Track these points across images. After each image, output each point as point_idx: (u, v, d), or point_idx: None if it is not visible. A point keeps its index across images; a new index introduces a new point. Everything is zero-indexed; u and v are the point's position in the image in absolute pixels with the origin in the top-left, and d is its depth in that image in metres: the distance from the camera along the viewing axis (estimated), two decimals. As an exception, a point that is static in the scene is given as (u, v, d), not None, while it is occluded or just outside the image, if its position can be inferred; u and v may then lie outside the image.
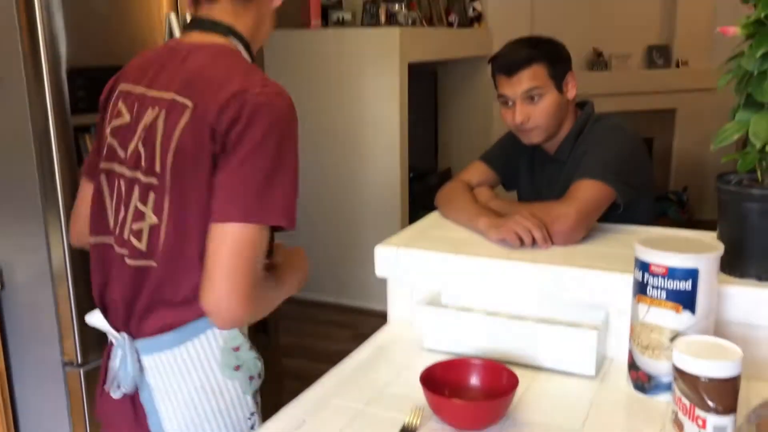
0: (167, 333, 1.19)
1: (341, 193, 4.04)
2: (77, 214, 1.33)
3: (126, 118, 1.21)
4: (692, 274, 1.08)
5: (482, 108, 4.90)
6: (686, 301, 1.09)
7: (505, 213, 1.56)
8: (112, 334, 1.25)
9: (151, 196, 1.16)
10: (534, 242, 1.42)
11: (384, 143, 3.86)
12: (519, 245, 1.43)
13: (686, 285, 1.08)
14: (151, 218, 1.16)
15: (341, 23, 3.99)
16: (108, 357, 1.28)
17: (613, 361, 1.28)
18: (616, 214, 1.55)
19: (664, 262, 1.09)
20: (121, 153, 1.21)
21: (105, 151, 1.24)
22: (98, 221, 1.26)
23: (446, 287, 1.41)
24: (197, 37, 1.23)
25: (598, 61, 5.37)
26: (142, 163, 1.17)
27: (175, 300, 1.18)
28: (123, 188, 1.20)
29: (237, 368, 1.25)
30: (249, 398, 1.27)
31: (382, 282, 1.50)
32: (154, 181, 1.16)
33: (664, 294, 1.10)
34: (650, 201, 1.69)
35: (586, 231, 1.48)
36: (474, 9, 4.73)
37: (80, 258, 1.83)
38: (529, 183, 1.80)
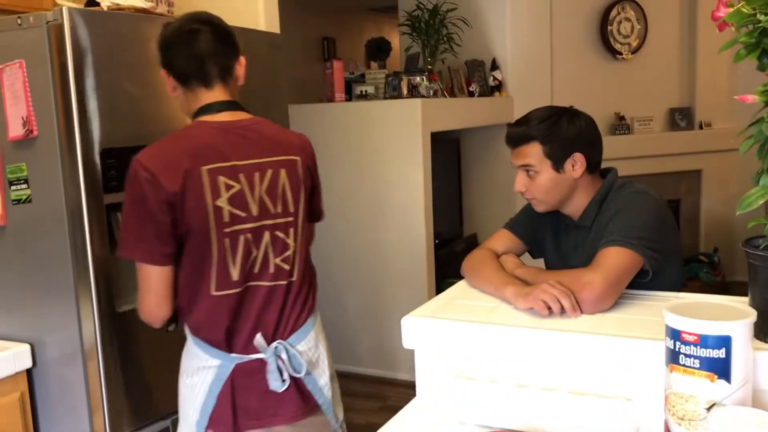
0: (309, 319, 1.71)
1: (367, 262, 4.05)
2: (165, 296, 1.59)
3: (236, 186, 1.57)
4: (725, 342, 1.06)
5: (506, 173, 4.93)
6: (721, 369, 1.06)
7: (532, 281, 1.56)
8: (264, 348, 1.62)
9: (291, 230, 1.65)
10: (562, 311, 1.41)
11: (409, 211, 3.89)
12: (547, 314, 1.41)
13: (720, 353, 1.06)
14: (293, 245, 1.66)
15: (364, 96, 4.08)
16: (233, 381, 1.62)
17: (648, 430, 1.25)
18: (645, 281, 1.54)
19: (695, 329, 1.07)
20: (242, 213, 1.58)
21: (226, 219, 1.56)
22: (223, 278, 1.58)
23: (475, 357, 1.40)
24: (230, 115, 1.64)
25: (620, 125, 5.41)
26: (274, 210, 1.62)
27: (307, 293, 1.71)
28: (251, 238, 1.59)
29: None
30: None
31: (408, 351, 1.49)
32: (290, 219, 1.65)
33: (697, 362, 1.07)
34: (678, 266, 1.67)
35: (614, 299, 1.46)
36: (494, 78, 4.82)
37: (109, 335, 1.85)
38: (554, 250, 1.80)
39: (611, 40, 5.28)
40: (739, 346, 1.06)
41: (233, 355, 1.62)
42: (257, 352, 1.62)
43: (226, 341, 1.61)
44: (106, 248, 1.84)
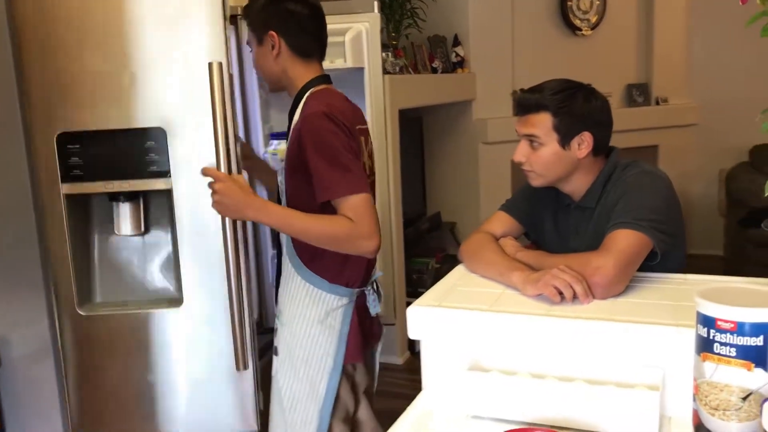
0: None
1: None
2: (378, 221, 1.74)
3: (365, 145, 1.85)
4: (764, 329, 1.02)
5: (468, 152, 4.89)
6: (758, 358, 1.02)
7: (536, 265, 1.51)
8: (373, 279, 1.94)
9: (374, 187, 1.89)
10: (574, 297, 1.36)
11: (378, 191, 3.80)
12: (559, 300, 1.36)
13: (758, 341, 1.02)
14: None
15: (328, 72, 3.96)
16: (358, 311, 1.86)
17: (672, 419, 1.22)
18: (653, 263, 1.50)
19: (732, 317, 1.03)
20: (369, 170, 1.84)
21: (368, 171, 1.80)
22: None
23: (486, 347, 1.34)
24: (332, 87, 1.84)
25: (579, 101, 5.41)
26: (373, 168, 1.90)
27: None
28: (373, 191, 1.83)
29: None
30: None
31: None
32: (374, 177, 1.92)
33: (733, 351, 1.04)
34: (683, 248, 1.64)
35: (626, 282, 1.42)
36: (457, 54, 4.75)
37: (83, 332, 1.74)
38: (553, 231, 1.74)
39: (571, 15, 5.26)
40: (776, 333, 1.02)
41: (356, 290, 1.85)
42: (364, 286, 1.88)
43: (360, 278, 1.85)
44: (75, 239, 1.72)
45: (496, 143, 4.81)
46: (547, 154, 1.61)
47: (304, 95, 1.78)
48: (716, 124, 5.76)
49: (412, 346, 4.17)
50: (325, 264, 1.79)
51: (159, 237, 1.92)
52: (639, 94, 5.60)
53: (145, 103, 1.76)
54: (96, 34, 1.69)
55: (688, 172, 5.64)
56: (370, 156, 1.91)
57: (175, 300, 1.84)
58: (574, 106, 1.59)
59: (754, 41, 5.49)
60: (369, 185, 1.72)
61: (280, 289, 1.88)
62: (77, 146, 1.70)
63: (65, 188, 1.68)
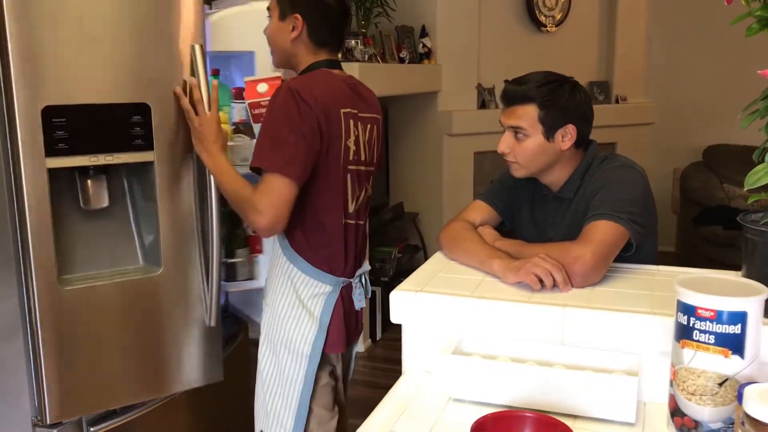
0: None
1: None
2: (287, 213, 1.69)
3: (357, 132, 1.82)
4: (741, 318, 1.06)
5: (433, 143, 4.92)
6: (735, 345, 1.07)
7: (514, 254, 1.53)
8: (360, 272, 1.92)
9: (371, 178, 1.94)
10: (554, 285, 1.40)
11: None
12: (539, 288, 1.39)
13: (735, 329, 1.06)
14: (368, 191, 1.93)
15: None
16: (342, 303, 1.85)
17: (647, 404, 1.26)
18: (628, 254, 1.54)
19: (712, 305, 1.07)
20: (354, 156, 1.82)
21: (351, 157, 1.80)
22: (347, 209, 1.82)
23: (468, 332, 1.36)
24: (341, 72, 1.87)
25: (542, 97, 5.48)
26: (366, 159, 1.87)
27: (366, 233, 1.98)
28: (357, 179, 1.84)
29: None
30: None
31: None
32: (372, 169, 1.93)
33: (712, 338, 1.08)
34: (655, 240, 1.68)
35: (603, 272, 1.46)
36: (424, 45, 4.77)
37: (55, 309, 1.70)
38: (530, 220, 1.78)
39: (536, 12, 5.32)
40: (753, 321, 1.07)
41: (341, 279, 1.84)
42: (350, 277, 1.88)
43: (342, 267, 1.84)
44: (46, 213, 1.68)
45: (460, 135, 4.85)
46: (531, 146, 1.63)
47: None
48: (672, 124, 5.92)
49: (374, 335, 4.19)
50: (309, 246, 1.80)
51: (136, 209, 1.93)
52: (600, 91, 5.71)
53: (131, 78, 1.75)
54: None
55: (646, 170, 5.77)
56: (369, 143, 1.88)
57: (153, 268, 1.87)
58: (559, 98, 1.62)
59: (709, 47, 5.68)
60: (295, 171, 1.67)
61: (268, 270, 1.91)
62: (63, 120, 1.67)
63: (49, 162, 1.64)
